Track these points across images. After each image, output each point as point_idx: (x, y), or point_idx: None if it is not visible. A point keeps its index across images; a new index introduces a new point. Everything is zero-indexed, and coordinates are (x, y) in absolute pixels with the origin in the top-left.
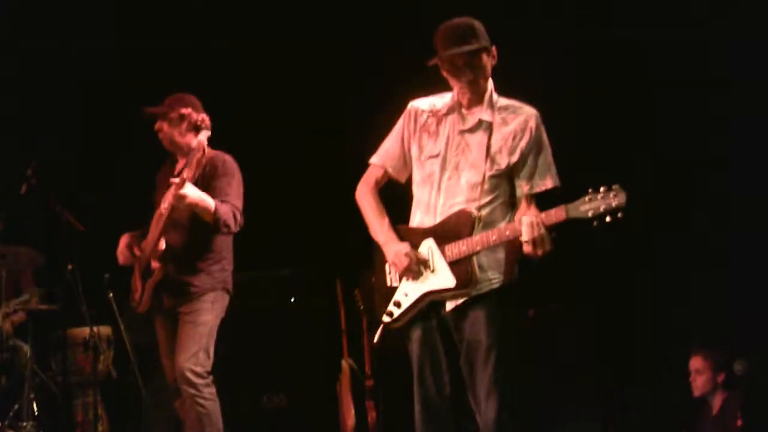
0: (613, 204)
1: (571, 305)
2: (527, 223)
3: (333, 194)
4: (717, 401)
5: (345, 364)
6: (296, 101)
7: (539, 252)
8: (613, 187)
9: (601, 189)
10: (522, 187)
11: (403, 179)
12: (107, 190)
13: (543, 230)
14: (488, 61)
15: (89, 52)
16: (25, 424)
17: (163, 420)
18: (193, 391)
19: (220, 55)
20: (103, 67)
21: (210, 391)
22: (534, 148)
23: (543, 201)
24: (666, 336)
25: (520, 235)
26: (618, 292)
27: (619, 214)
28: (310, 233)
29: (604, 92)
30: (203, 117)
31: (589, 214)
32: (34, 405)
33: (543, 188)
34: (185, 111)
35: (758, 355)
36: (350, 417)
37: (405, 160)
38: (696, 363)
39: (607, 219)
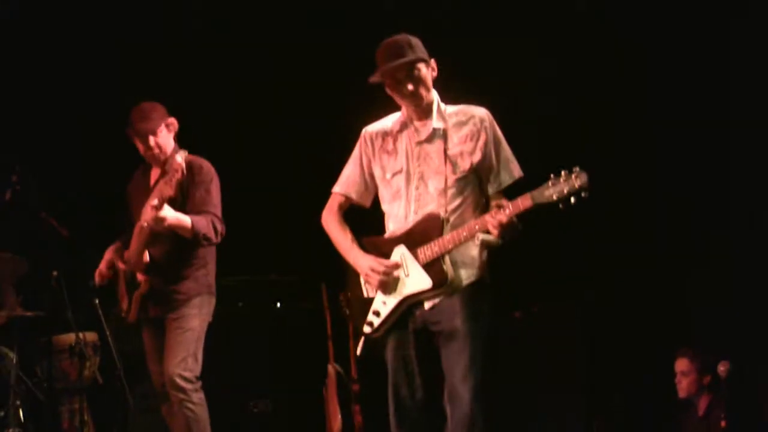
0: (576, 185)
1: (557, 304)
2: (490, 217)
3: (320, 199)
4: (702, 403)
5: (331, 368)
6: (283, 109)
7: (507, 237)
8: (574, 169)
9: (562, 173)
10: (491, 186)
11: (367, 203)
12: (93, 195)
13: (509, 218)
14: (428, 73)
15: (83, 55)
16: (11, 431)
17: (149, 426)
18: (182, 396)
19: (219, 66)
20: (92, 69)
21: (199, 396)
22: (493, 145)
23: (509, 190)
24: (652, 336)
25: (488, 227)
26: (604, 291)
27: (584, 194)
28: (295, 238)
29: (601, 91)
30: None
31: (554, 197)
32: (20, 412)
33: (510, 182)
34: (171, 120)
35: (742, 358)
36: (336, 422)
37: (366, 185)
38: (682, 365)
39: (572, 200)
